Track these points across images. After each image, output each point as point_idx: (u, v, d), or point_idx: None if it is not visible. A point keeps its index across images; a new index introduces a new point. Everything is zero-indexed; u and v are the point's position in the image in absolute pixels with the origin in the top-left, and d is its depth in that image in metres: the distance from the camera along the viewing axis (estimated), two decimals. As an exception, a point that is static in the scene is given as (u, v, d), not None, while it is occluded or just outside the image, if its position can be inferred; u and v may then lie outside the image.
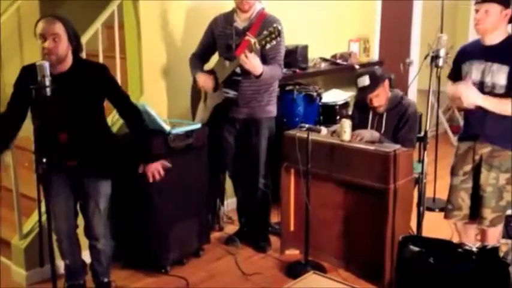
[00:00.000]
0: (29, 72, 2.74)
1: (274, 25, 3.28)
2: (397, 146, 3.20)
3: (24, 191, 3.49)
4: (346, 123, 3.32)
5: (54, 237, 2.82)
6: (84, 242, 3.11)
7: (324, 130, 3.33)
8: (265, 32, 3.28)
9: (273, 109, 3.71)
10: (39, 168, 2.57)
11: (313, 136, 3.28)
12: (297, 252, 3.69)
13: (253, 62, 3.31)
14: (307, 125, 3.30)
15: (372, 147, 3.22)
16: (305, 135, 3.28)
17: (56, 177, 2.84)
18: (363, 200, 3.32)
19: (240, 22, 3.57)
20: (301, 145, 3.30)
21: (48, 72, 2.55)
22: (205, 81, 3.61)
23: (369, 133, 3.40)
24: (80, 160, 2.88)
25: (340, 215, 3.45)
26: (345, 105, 4.50)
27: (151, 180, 2.98)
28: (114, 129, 3.50)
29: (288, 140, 3.49)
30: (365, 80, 3.40)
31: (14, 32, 4.34)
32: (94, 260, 3.11)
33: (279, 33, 3.22)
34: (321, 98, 4.37)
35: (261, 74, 3.38)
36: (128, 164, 3.04)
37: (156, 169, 2.98)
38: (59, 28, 2.73)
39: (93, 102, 2.89)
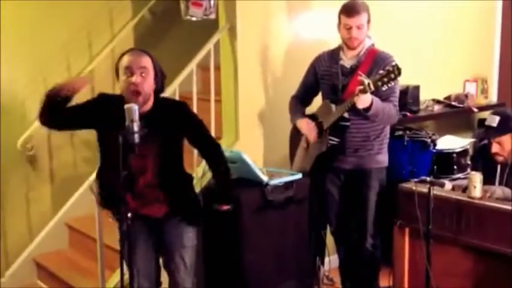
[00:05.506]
0: (105, 103, 2.52)
1: (393, 63, 2.88)
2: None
3: (108, 242, 3.28)
4: (477, 177, 2.81)
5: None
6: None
7: (448, 184, 2.85)
8: (381, 72, 2.89)
9: (384, 158, 3.27)
10: (123, 224, 2.29)
11: (435, 191, 2.80)
12: (411, 325, 3.17)
13: (366, 100, 2.91)
14: (428, 178, 2.83)
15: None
16: (426, 190, 2.80)
17: (136, 229, 2.53)
18: (498, 269, 2.76)
19: (347, 60, 3.20)
20: (420, 201, 2.82)
21: (137, 116, 2.29)
22: (308, 129, 3.23)
23: (499, 189, 2.91)
24: (161, 208, 2.59)
25: (468, 286, 2.90)
26: (463, 153, 3.94)
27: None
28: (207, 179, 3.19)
29: (404, 195, 3.02)
30: (494, 120, 2.97)
31: (108, 74, 4.22)
32: None
33: (399, 73, 2.82)
34: (435, 145, 3.87)
35: (370, 107, 2.93)
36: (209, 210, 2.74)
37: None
38: (147, 62, 2.49)
39: (174, 144, 2.61)
